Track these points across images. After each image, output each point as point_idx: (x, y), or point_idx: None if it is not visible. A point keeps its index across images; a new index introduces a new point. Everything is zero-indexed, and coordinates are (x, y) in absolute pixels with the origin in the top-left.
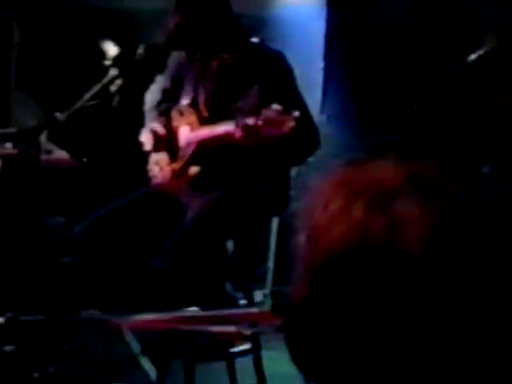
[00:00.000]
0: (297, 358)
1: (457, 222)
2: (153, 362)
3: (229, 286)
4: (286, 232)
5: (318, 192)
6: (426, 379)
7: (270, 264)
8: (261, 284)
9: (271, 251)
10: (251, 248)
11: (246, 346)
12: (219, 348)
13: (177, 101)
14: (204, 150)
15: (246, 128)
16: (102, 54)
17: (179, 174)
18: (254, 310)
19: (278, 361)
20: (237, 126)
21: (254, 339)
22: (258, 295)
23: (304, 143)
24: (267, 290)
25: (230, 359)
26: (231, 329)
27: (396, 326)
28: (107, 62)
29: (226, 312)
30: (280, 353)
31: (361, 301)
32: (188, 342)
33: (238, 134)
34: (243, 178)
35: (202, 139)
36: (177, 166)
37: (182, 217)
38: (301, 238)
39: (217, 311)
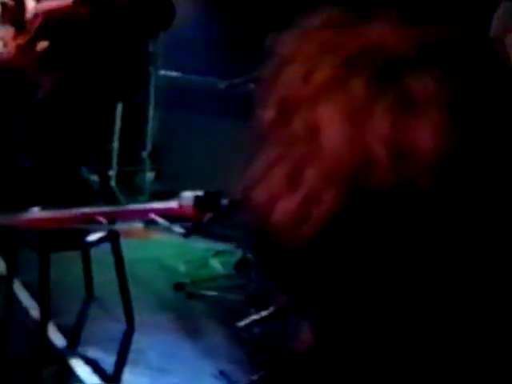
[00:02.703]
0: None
1: (489, 107)
2: (2, 253)
3: (84, 170)
4: (131, 112)
5: (291, 58)
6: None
7: (115, 145)
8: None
9: (116, 132)
10: (102, 129)
11: (101, 234)
12: (74, 237)
13: None
14: (51, 23)
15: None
16: None
17: (26, 49)
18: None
19: (134, 247)
20: None
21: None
22: None
23: (158, 12)
24: (113, 172)
25: (85, 248)
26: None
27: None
28: None
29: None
30: (136, 239)
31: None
32: (40, 231)
33: (81, 5)
34: (96, 54)
35: (48, 10)
36: (23, 40)
37: (33, 95)
38: (266, 116)
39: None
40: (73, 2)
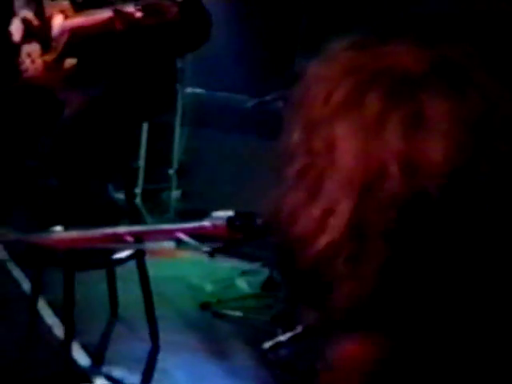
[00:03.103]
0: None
1: (500, 124)
2: (28, 272)
3: (110, 187)
4: (157, 130)
5: (316, 80)
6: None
7: (141, 163)
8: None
9: (142, 150)
10: (129, 146)
11: (127, 253)
12: (99, 255)
13: None
14: (78, 40)
15: (121, 15)
16: None
17: (53, 67)
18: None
19: (160, 266)
20: (113, 13)
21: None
22: None
23: (191, 29)
24: (138, 189)
25: (111, 266)
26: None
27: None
28: None
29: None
30: (162, 258)
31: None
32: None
33: (114, 21)
34: (124, 72)
35: (74, 27)
36: (50, 57)
37: (60, 113)
38: (293, 136)
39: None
40: (113, 13)
